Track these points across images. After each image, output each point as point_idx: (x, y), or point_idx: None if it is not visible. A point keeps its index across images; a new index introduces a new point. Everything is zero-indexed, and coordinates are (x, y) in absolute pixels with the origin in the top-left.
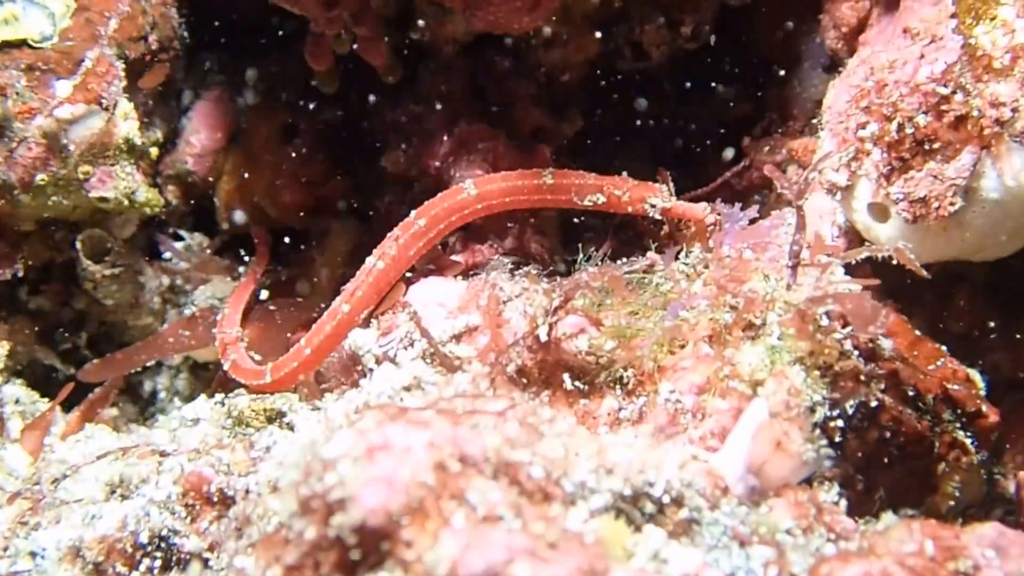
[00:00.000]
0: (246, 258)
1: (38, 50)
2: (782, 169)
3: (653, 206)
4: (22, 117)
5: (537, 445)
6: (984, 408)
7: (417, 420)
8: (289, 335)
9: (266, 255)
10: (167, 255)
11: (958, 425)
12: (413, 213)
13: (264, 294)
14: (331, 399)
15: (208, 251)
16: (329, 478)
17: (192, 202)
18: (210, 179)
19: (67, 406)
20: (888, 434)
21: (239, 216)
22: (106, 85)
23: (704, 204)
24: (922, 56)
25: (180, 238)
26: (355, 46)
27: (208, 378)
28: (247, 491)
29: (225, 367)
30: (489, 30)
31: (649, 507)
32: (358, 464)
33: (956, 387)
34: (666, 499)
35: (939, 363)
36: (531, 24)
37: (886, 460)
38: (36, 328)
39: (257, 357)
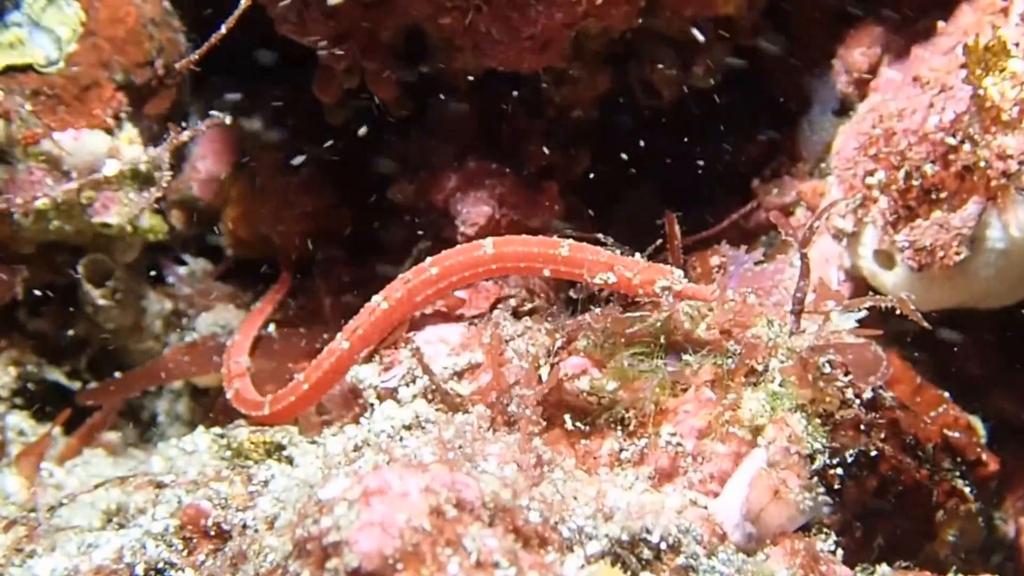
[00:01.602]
0: (251, 285)
1: (44, 75)
2: (790, 212)
3: (664, 289)
4: (26, 142)
5: (535, 489)
6: (984, 456)
7: (414, 464)
8: (291, 365)
9: (288, 284)
10: (170, 279)
11: (957, 473)
12: (428, 260)
13: (270, 327)
14: (330, 434)
15: (212, 277)
16: (325, 521)
17: (197, 227)
18: (216, 205)
19: (67, 429)
20: (887, 483)
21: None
22: (111, 111)
23: (713, 287)
24: (931, 105)
25: (184, 263)
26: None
27: (208, 404)
28: (244, 526)
29: (228, 395)
30: (499, 67)
31: (646, 553)
32: (353, 508)
33: (956, 434)
34: (663, 546)
35: (941, 409)
36: (541, 63)
37: (885, 508)
38: (36, 350)
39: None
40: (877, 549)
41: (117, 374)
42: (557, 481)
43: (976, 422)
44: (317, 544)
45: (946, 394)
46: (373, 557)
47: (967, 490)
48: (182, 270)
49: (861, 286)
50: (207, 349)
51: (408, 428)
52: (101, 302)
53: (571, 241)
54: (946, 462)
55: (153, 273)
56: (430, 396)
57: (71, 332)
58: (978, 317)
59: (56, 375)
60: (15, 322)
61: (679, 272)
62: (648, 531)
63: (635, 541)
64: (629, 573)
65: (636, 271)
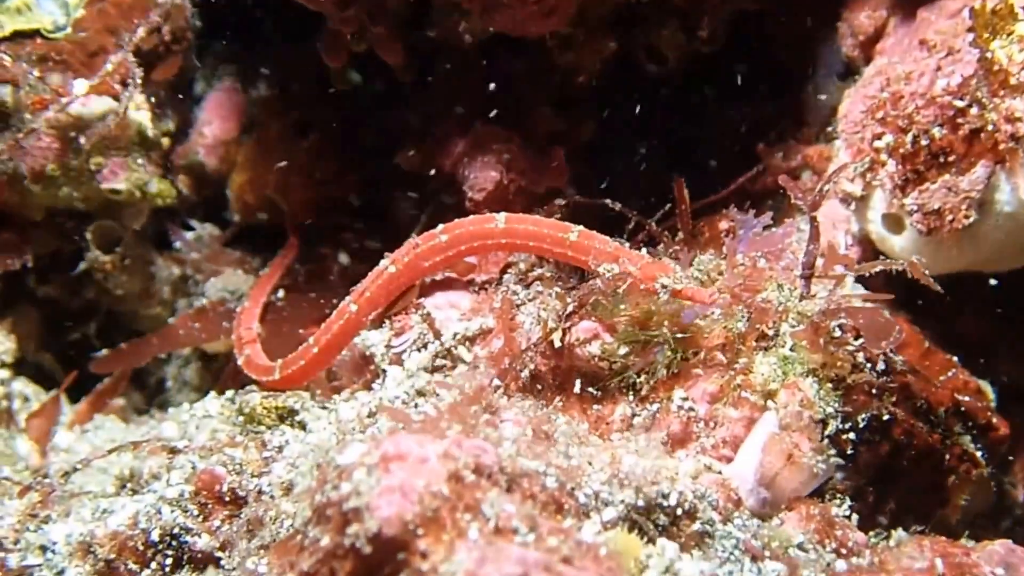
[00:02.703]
0: (259, 250)
1: (51, 40)
2: (796, 175)
3: (664, 286)
4: (34, 108)
5: (551, 455)
6: (995, 420)
7: (432, 429)
8: (301, 331)
9: (295, 251)
10: (178, 244)
11: (969, 438)
12: (439, 227)
13: (280, 293)
14: (342, 400)
15: (219, 243)
16: (344, 487)
17: (204, 193)
18: (222, 171)
19: (74, 396)
20: (900, 447)
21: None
22: (119, 77)
23: (712, 290)
24: (938, 68)
25: (190, 228)
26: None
27: (217, 368)
28: (259, 491)
29: (239, 361)
30: (505, 32)
31: (662, 519)
32: (373, 473)
33: (967, 399)
34: (679, 511)
35: (950, 374)
36: (548, 28)
37: (897, 473)
38: (44, 317)
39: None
40: (889, 514)
41: (123, 344)
42: (572, 446)
43: (985, 386)
44: (337, 509)
45: (955, 358)
46: (394, 522)
47: (979, 455)
48: (189, 235)
49: (869, 250)
50: (217, 315)
51: (422, 394)
52: (109, 268)
53: (581, 228)
54: (957, 427)
55: (160, 239)
56: (442, 360)
57: (80, 298)
58: (982, 281)
59: (61, 347)
60: (24, 288)
61: (679, 271)
62: (664, 496)
63: (651, 507)
64: (646, 539)
65: (639, 265)
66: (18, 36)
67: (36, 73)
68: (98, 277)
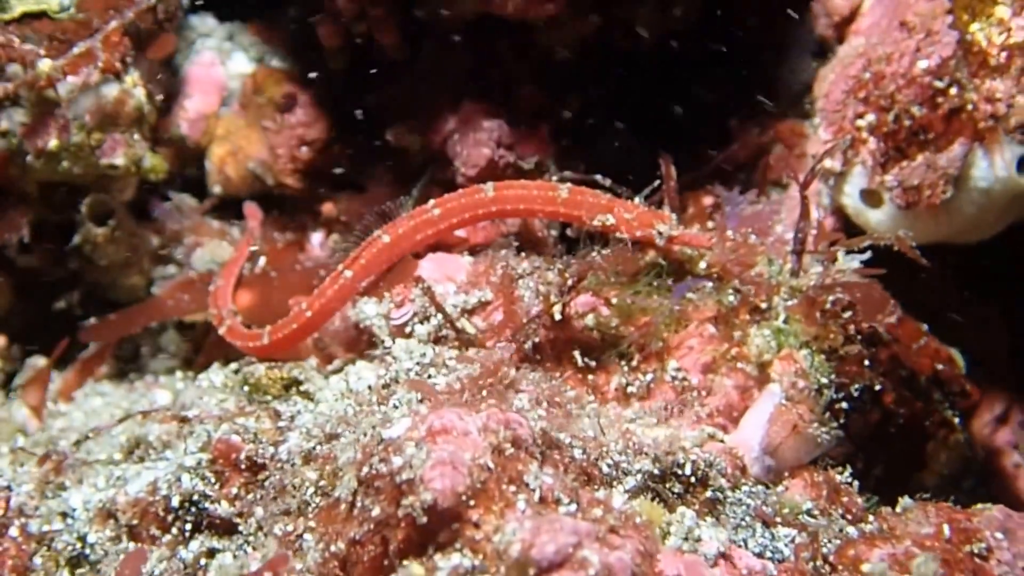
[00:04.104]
0: (240, 222)
1: (56, 21)
2: (767, 149)
3: (660, 233)
4: (40, 87)
5: (572, 427)
6: (967, 387)
7: (463, 403)
8: (291, 301)
9: (257, 230)
10: (157, 215)
11: (946, 405)
12: (431, 201)
13: (262, 261)
14: (353, 370)
15: (198, 214)
16: (395, 460)
17: (184, 166)
18: (203, 144)
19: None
20: (889, 415)
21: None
22: (119, 55)
23: (709, 234)
24: (918, 50)
25: (167, 199)
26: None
27: (194, 337)
28: (278, 460)
29: (220, 332)
30: (503, 15)
31: (677, 487)
32: (422, 448)
33: (941, 367)
34: (693, 479)
35: (922, 342)
36: (546, 12)
37: (885, 440)
38: (18, 286)
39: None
40: (875, 479)
41: (111, 315)
42: (584, 417)
43: (956, 354)
44: (388, 482)
45: (924, 326)
46: (447, 494)
47: (956, 420)
48: (168, 206)
49: (842, 223)
50: (204, 286)
51: (433, 366)
52: (101, 240)
53: (570, 185)
54: (936, 394)
55: (137, 209)
56: (443, 334)
57: (63, 269)
58: (942, 251)
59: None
60: (4, 259)
61: (675, 218)
62: (680, 466)
63: (667, 476)
64: (665, 506)
65: (635, 214)
66: (26, 17)
67: (43, 52)
68: (86, 249)
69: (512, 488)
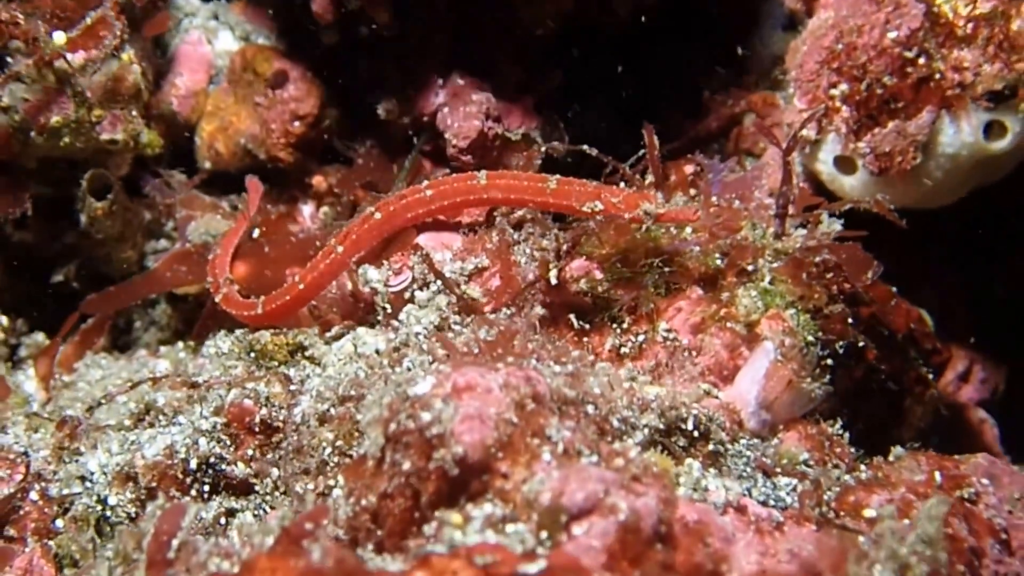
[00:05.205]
0: (230, 195)
1: None
2: (739, 119)
3: (647, 213)
4: (43, 63)
5: (582, 384)
6: (938, 345)
7: (486, 362)
8: (287, 271)
9: (256, 203)
10: (147, 190)
11: (921, 362)
12: (424, 182)
13: (256, 232)
14: (363, 332)
15: (188, 188)
16: (424, 416)
17: (174, 142)
18: (193, 120)
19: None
20: (871, 371)
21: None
22: (118, 32)
23: (694, 206)
24: (887, 21)
25: (158, 175)
26: None
27: (186, 309)
28: (292, 422)
29: (216, 299)
30: None
31: (682, 441)
32: (449, 403)
33: (913, 326)
34: (696, 433)
35: (893, 303)
36: None
37: (867, 395)
38: (8, 261)
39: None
40: (858, 433)
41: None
42: (595, 375)
43: (925, 314)
44: (418, 437)
45: (893, 288)
46: (477, 447)
47: (930, 377)
48: (157, 181)
49: (814, 189)
50: (201, 257)
51: (440, 329)
52: (100, 214)
53: (558, 176)
54: (912, 351)
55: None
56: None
57: (60, 243)
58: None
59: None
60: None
61: (660, 197)
62: (683, 420)
63: (671, 430)
64: (673, 459)
65: (622, 197)
66: None
67: (44, 30)
68: (84, 223)
69: (536, 441)
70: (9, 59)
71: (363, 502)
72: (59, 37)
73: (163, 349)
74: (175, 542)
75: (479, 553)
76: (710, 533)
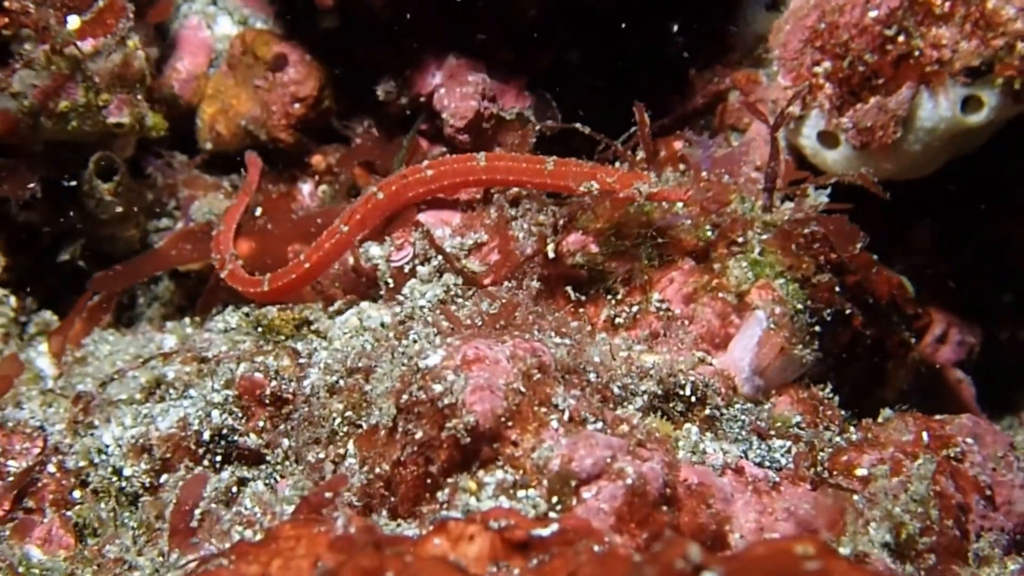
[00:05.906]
0: (231, 175)
1: None
2: (724, 96)
3: (641, 192)
4: (50, 49)
5: (583, 354)
6: (920, 310)
7: (491, 333)
8: (291, 249)
9: (256, 180)
10: (150, 171)
11: (903, 326)
12: (424, 162)
13: (258, 211)
14: (367, 305)
15: (190, 168)
16: (436, 387)
17: (176, 124)
18: (194, 104)
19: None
20: (857, 337)
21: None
22: (123, 19)
23: (686, 186)
24: (868, 1)
25: (160, 156)
26: None
27: (189, 286)
28: (301, 394)
29: (222, 275)
30: None
31: (680, 406)
32: (460, 375)
33: (895, 292)
34: (693, 399)
35: (874, 270)
36: None
37: (853, 359)
38: (10, 240)
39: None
40: (844, 395)
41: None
42: (596, 345)
43: (906, 281)
44: (430, 407)
45: (875, 256)
46: (488, 416)
47: (912, 340)
48: (159, 162)
49: (796, 163)
50: (205, 236)
51: (443, 303)
52: (107, 196)
53: (555, 157)
54: (895, 316)
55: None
56: (444, 273)
57: (66, 223)
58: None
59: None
60: (4, 213)
61: (653, 176)
62: (680, 386)
63: (670, 396)
64: (672, 423)
65: (616, 177)
66: None
67: (53, 18)
68: (90, 204)
69: (543, 409)
70: (19, 46)
71: (376, 470)
72: (73, 21)
73: (169, 324)
74: (197, 511)
75: (494, 517)
76: (711, 495)
